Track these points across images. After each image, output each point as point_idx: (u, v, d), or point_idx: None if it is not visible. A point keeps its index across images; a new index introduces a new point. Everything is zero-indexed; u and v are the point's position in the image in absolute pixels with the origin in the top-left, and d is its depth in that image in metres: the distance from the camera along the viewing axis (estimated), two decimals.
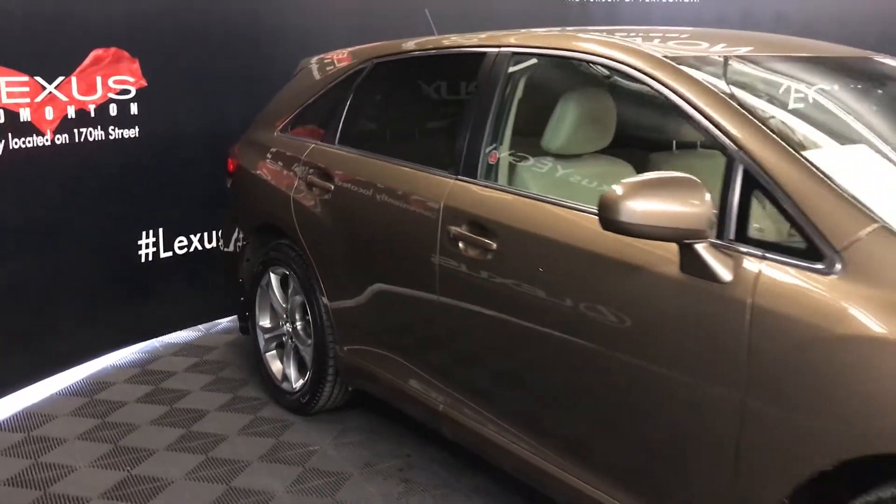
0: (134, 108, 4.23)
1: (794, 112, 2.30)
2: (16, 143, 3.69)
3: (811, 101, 2.40)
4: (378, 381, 3.15)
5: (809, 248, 1.82)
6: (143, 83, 4.24)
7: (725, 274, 1.90)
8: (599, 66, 2.50)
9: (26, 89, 3.71)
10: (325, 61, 3.69)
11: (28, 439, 3.41)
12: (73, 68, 3.92)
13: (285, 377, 3.70)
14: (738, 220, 1.96)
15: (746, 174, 1.96)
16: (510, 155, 2.72)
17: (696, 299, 1.95)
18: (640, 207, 1.89)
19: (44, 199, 3.87)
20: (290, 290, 3.61)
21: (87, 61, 3.99)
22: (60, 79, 3.86)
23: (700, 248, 1.92)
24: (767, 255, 1.88)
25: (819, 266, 1.79)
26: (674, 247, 1.97)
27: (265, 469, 3.20)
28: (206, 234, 4.64)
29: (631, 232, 1.93)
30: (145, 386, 3.97)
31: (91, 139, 4.05)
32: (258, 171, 3.73)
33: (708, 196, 1.89)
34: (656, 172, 1.97)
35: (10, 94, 3.65)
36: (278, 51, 4.64)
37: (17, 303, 3.79)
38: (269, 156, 3.70)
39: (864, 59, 2.80)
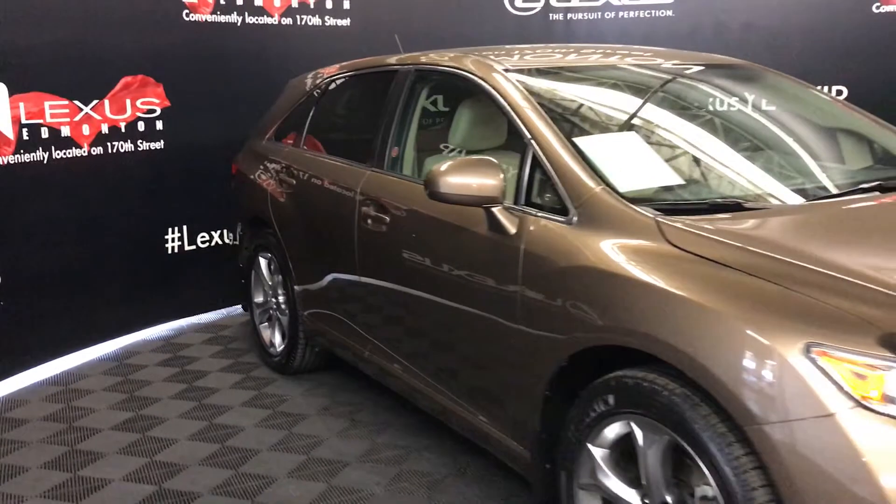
0: (159, 125, 5.09)
1: (590, 109, 2.92)
2: (58, 154, 4.58)
3: (614, 100, 3.02)
4: (326, 337, 3.88)
5: (562, 207, 2.46)
6: (167, 104, 5.10)
7: (511, 229, 2.55)
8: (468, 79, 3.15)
9: (66, 111, 4.59)
10: (301, 80, 4.45)
11: (66, 391, 4.26)
12: (106, 93, 4.79)
13: (272, 343, 4.46)
14: (527, 190, 2.60)
15: (533, 157, 2.61)
16: (412, 150, 3.41)
17: (496, 247, 2.60)
18: (454, 181, 2.55)
19: (83, 199, 4.74)
20: (272, 271, 4.37)
21: (117, 87, 4.86)
22: (95, 101, 4.74)
23: (495, 210, 2.57)
24: (539, 214, 2.52)
25: (564, 219, 2.42)
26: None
27: (243, 412, 3.95)
28: (225, 231, 5.47)
29: (447, 200, 2.59)
30: (165, 354, 4.78)
31: (122, 151, 4.92)
32: (250, 173, 4.51)
33: (501, 174, 2.54)
34: (468, 157, 2.63)
35: (53, 115, 4.54)
36: (282, 74, 5.43)
37: (63, 284, 4.66)
38: (257, 159, 4.48)
39: (702, 65, 3.38)
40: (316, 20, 5.94)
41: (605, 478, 2.27)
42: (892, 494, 1.63)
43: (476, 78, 3.01)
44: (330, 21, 6.00)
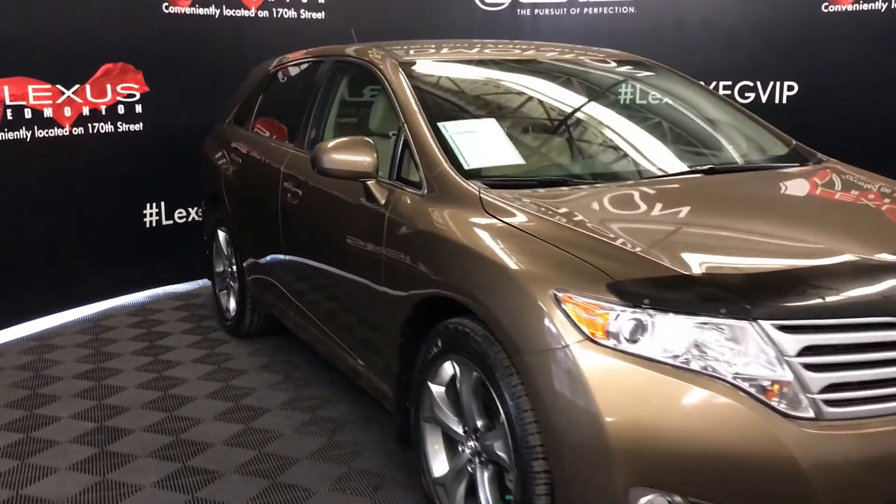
0: (139, 108, 5.55)
1: (465, 97, 3.31)
2: (41, 133, 5.05)
3: (490, 90, 3.39)
4: (265, 301, 4.30)
5: (419, 181, 2.85)
6: (146, 89, 5.55)
7: (381, 199, 2.95)
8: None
9: (49, 94, 5.06)
10: (258, 68, 4.88)
11: (41, 346, 4.74)
12: (87, 78, 5.26)
13: (227, 309, 4.90)
14: (399, 166, 3.00)
15: (405, 138, 3.00)
16: (331, 132, 3.81)
17: (369, 216, 3.00)
18: (335, 157, 2.95)
19: (64, 175, 5.21)
20: (227, 243, 4.81)
21: (98, 72, 5.33)
22: (77, 86, 5.20)
23: (369, 183, 2.97)
24: (404, 187, 2.91)
25: (419, 192, 2.81)
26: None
27: (191, 367, 4.39)
28: (201, 208, 5.92)
29: (329, 174, 2.99)
30: (137, 318, 5.25)
31: (103, 131, 5.39)
32: (210, 154, 4.95)
33: (375, 153, 2.93)
34: (349, 137, 3.02)
35: (36, 98, 5.01)
36: (258, 64, 5.86)
37: (45, 252, 5.13)
38: (217, 141, 4.92)
39: (596, 60, 3.74)
40: (292, 13, 6.36)
41: (440, 411, 2.66)
42: (602, 405, 2.01)
43: (375, 68, 3.40)
44: (305, 14, 6.42)
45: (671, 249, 2.27)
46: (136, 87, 5.51)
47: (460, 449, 2.60)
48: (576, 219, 2.44)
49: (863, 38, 6.09)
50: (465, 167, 2.81)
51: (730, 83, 6.62)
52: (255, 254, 4.33)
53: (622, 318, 2.06)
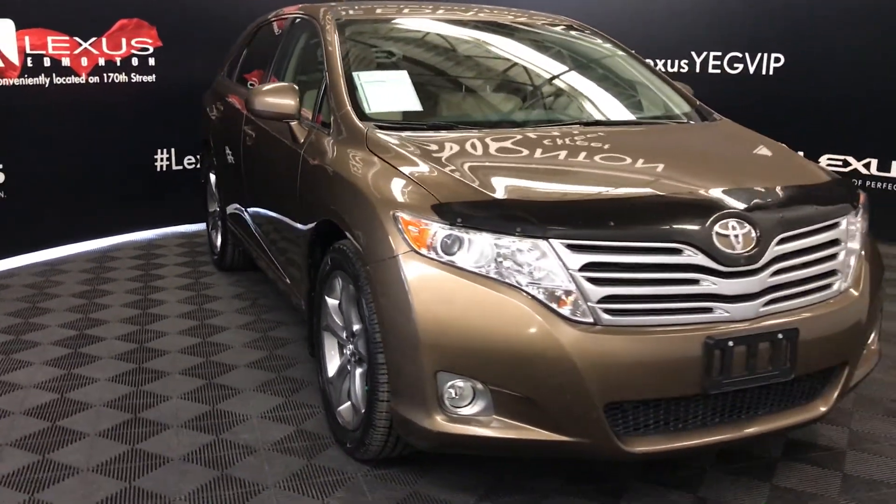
0: (152, 61, 6.07)
1: (387, 51, 3.70)
2: (59, 80, 5.61)
3: (412, 45, 3.77)
4: (237, 234, 4.80)
5: (329, 123, 3.27)
6: (160, 44, 6.08)
7: (300, 139, 3.38)
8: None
9: (67, 45, 5.62)
10: (249, 26, 5.34)
11: (49, 271, 5.34)
12: (104, 31, 5.80)
13: (216, 245, 5.42)
14: (318, 110, 3.42)
15: (326, 85, 3.42)
16: (289, 80, 4.23)
17: (291, 154, 3.44)
18: (265, 100, 3.38)
19: (80, 120, 5.77)
20: (214, 185, 5.31)
21: (114, 27, 5.86)
22: (93, 38, 5.75)
23: (292, 124, 3.41)
24: (320, 129, 3.33)
25: (328, 132, 3.23)
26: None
27: (173, 293, 4.92)
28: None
29: (260, 115, 3.43)
30: (140, 251, 5.81)
31: (117, 81, 5.93)
32: (206, 105, 5.44)
33: (297, 97, 3.36)
34: (278, 83, 3.45)
35: (54, 48, 5.56)
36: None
37: (59, 189, 5.71)
38: (212, 93, 5.41)
39: (521, 21, 4.08)
40: None
41: (332, 321, 3.10)
42: (417, 304, 2.41)
43: (318, 24, 3.81)
44: None
45: (493, 180, 2.65)
46: (149, 41, 6.03)
47: (343, 351, 3.03)
48: (433, 155, 2.83)
49: (850, 12, 6.23)
50: (367, 111, 3.21)
51: (719, 54, 6.83)
52: (230, 193, 4.82)
53: (440, 233, 2.46)
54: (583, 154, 3.01)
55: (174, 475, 2.86)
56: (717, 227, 2.49)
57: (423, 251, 2.47)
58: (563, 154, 2.98)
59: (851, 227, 2.83)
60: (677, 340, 2.41)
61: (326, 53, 3.53)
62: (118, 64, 5.92)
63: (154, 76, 6.10)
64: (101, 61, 5.82)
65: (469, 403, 2.46)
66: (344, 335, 3.02)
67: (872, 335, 3.01)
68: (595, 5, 7.13)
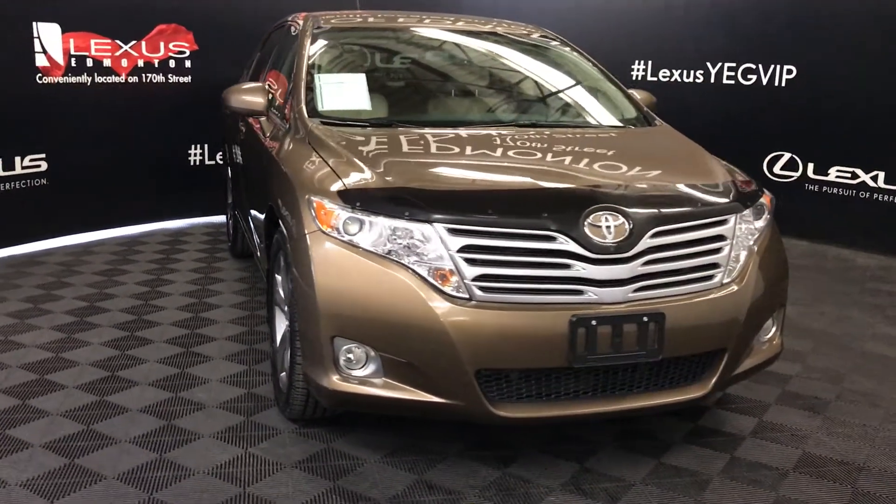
0: (188, 63, 6.60)
1: (353, 55, 4.05)
2: (100, 79, 6.17)
3: (376, 53, 4.12)
4: (241, 222, 5.23)
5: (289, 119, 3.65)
6: (196, 47, 6.60)
7: (267, 132, 3.77)
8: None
9: (108, 47, 6.17)
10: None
11: (80, 252, 5.89)
12: (143, 35, 6.34)
13: (231, 234, 5.88)
14: (285, 107, 3.80)
15: (292, 85, 3.80)
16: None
17: (261, 144, 3.83)
18: (238, 97, 3.79)
19: (119, 116, 6.32)
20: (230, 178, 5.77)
21: (153, 31, 6.41)
22: (133, 42, 6.30)
23: (262, 120, 3.80)
24: (282, 124, 3.71)
25: (288, 128, 3.60)
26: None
27: (185, 274, 5.38)
28: None
29: (234, 111, 3.84)
30: (168, 238, 6.33)
31: (155, 81, 6.47)
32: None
33: (266, 95, 3.75)
34: (250, 82, 3.84)
35: (97, 50, 6.12)
36: None
37: (98, 178, 6.26)
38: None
39: (489, 30, 4.38)
40: None
41: (278, 295, 3.46)
42: (317, 277, 2.74)
43: (299, 30, 4.20)
44: None
45: (398, 171, 2.97)
46: (186, 45, 6.56)
47: (286, 322, 3.40)
48: (358, 148, 3.17)
49: (863, 26, 6.29)
50: (320, 108, 3.58)
51: (733, 65, 6.96)
52: (235, 185, 5.26)
53: (342, 215, 2.80)
54: (499, 151, 3.30)
55: (127, 423, 3.27)
56: (590, 219, 2.75)
57: (328, 231, 2.81)
58: (478, 150, 3.28)
59: (744, 226, 3.04)
60: (544, 317, 2.68)
61: (297, 57, 3.91)
62: (156, 65, 6.45)
63: (190, 77, 6.61)
64: (140, 62, 6.36)
65: (362, 367, 2.78)
66: (286, 308, 3.38)
67: (773, 330, 3.20)
68: (612, 17, 7.35)
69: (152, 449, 3.07)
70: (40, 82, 5.82)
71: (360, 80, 3.82)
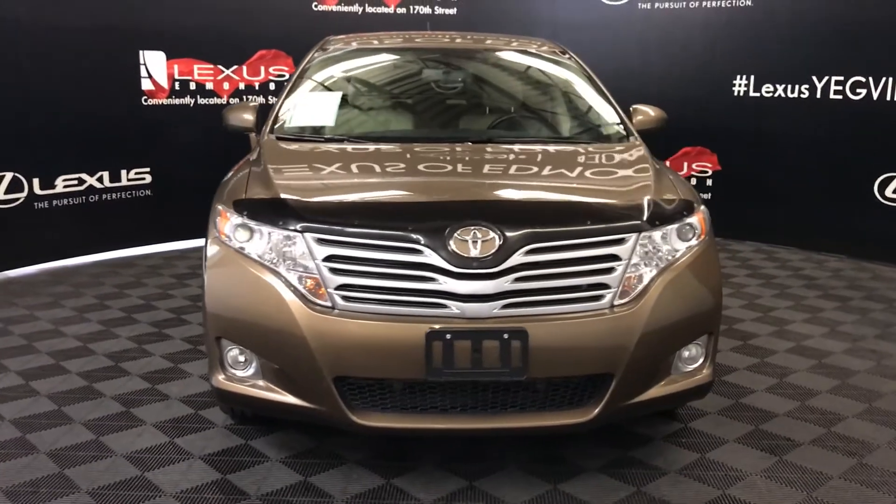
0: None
1: (346, 74, 4.19)
2: (202, 101, 6.78)
3: (368, 72, 4.23)
4: None
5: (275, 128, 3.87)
6: (294, 70, 7.06)
7: (256, 146, 4.02)
8: None
9: (211, 72, 6.77)
10: None
11: (172, 258, 6.48)
12: (245, 60, 6.90)
13: None
14: (275, 121, 4.03)
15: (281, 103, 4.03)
16: None
17: (249, 160, 4.09)
18: (232, 115, 4.08)
19: (220, 134, 6.87)
20: None
21: (254, 56, 6.95)
22: (235, 66, 6.86)
23: (251, 136, 4.06)
24: (267, 137, 3.95)
25: (266, 139, 3.82)
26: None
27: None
28: None
29: (230, 129, 4.13)
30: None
31: (255, 102, 7.00)
32: None
33: (255, 114, 4.01)
34: (244, 102, 4.12)
35: (200, 74, 6.74)
36: None
37: (199, 194, 6.84)
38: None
39: (490, 48, 4.38)
40: (426, 9, 7.48)
41: None
42: (208, 280, 2.92)
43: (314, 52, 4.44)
44: (438, 10, 7.50)
45: (297, 183, 3.12)
46: (286, 69, 7.04)
47: None
48: (282, 161, 3.35)
49: None
50: (285, 125, 3.79)
51: (841, 78, 6.44)
52: None
53: (232, 222, 2.96)
54: (410, 166, 3.34)
55: (91, 407, 3.61)
56: (457, 233, 2.73)
57: (222, 238, 2.99)
58: (389, 165, 3.34)
59: (651, 246, 2.88)
60: (401, 329, 2.70)
61: (292, 77, 4.15)
62: (256, 88, 6.97)
63: None
64: (241, 85, 6.91)
65: (244, 368, 2.93)
66: None
67: (699, 359, 3.00)
68: (721, 30, 7.02)
69: (95, 432, 3.39)
70: (145, 104, 6.48)
71: (332, 97, 3.99)
